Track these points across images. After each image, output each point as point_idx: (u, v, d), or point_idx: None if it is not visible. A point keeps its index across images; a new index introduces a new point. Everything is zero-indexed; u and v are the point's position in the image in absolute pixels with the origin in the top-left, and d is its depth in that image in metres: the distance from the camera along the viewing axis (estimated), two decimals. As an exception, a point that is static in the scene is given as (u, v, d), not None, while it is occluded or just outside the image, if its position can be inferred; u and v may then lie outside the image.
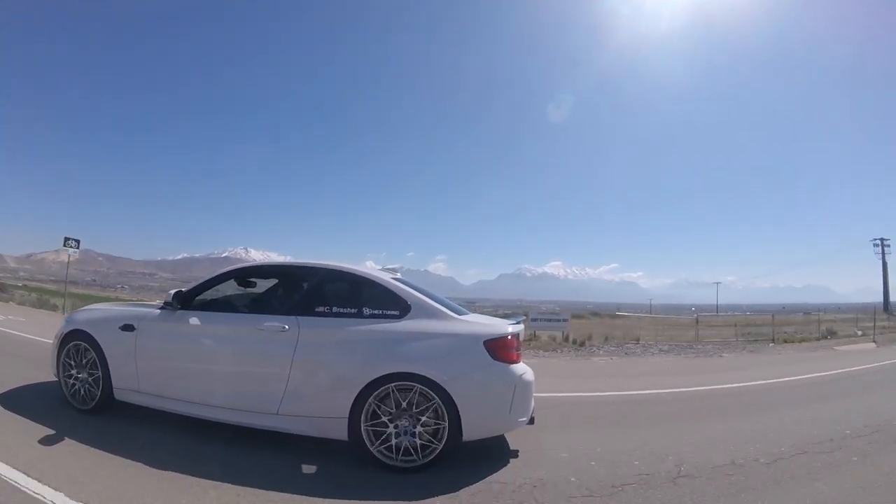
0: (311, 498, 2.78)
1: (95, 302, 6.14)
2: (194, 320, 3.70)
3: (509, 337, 3.42)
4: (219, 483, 2.86)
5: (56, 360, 4.15)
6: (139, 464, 3.05)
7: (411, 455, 3.19)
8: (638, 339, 16.27)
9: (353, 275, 3.81)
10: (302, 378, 3.38)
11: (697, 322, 21.26)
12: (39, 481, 2.71)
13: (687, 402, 5.95)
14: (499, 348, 3.36)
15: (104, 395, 3.86)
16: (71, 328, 4.12)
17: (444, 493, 2.89)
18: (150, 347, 3.76)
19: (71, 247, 17.12)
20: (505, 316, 4.20)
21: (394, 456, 3.20)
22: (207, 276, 4.01)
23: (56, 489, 2.64)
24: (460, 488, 2.96)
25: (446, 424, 3.19)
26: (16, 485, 2.66)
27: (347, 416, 3.24)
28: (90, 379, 3.94)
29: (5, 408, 3.96)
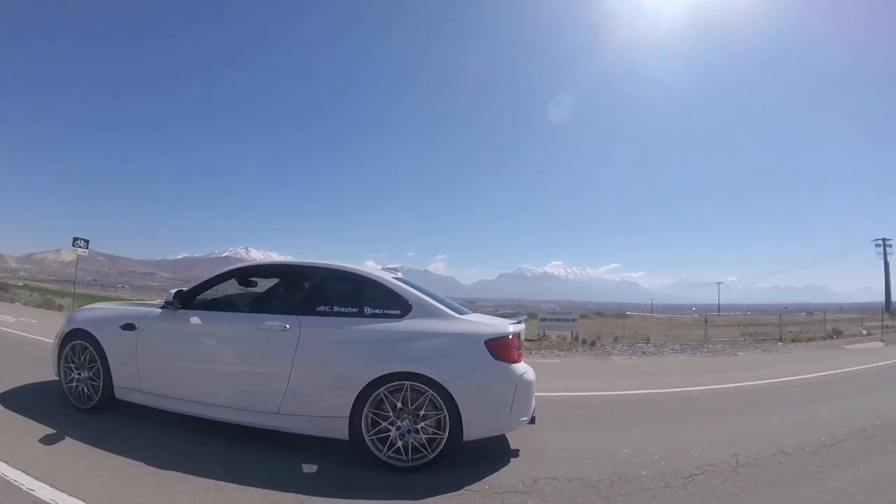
0: (312, 497, 2.77)
1: (104, 302, 6.13)
2: (195, 320, 3.70)
3: (510, 336, 3.42)
4: (220, 483, 2.86)
5: (57, 360, 4.15)
6: (140, 463, 3.05)
7: (412, 454, 3.19)
8: (648, 339, 16.25)
9: (354, 274, 3.81)
10: (303, 377, 3.37)
11: (706, 322, 21.38)
12: (40, 480, 2.71)
13: (723, 398, 6.26)
14: (500, 348, 3.35)
15: (105, 394, 3.86)
16: (72, 327, 4.12)
17: (444, 493, 2.89)
18: (151, 347, 3.75)
19: (80, 246, 17.15)
20: (506, 316, 4.20)
21: (395, 455, 3.20)
22: (208, 276, 4.01)
23: (57, 488, 2.64)
24: (461, 487, 2.96)
25: (447, 424, 3.19)
26: (16, 484, 2.66)
27: (348, 415, 3.24)
28: (91, 378, 3.94)
29: (6, 407, 3.96)
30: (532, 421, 3.55)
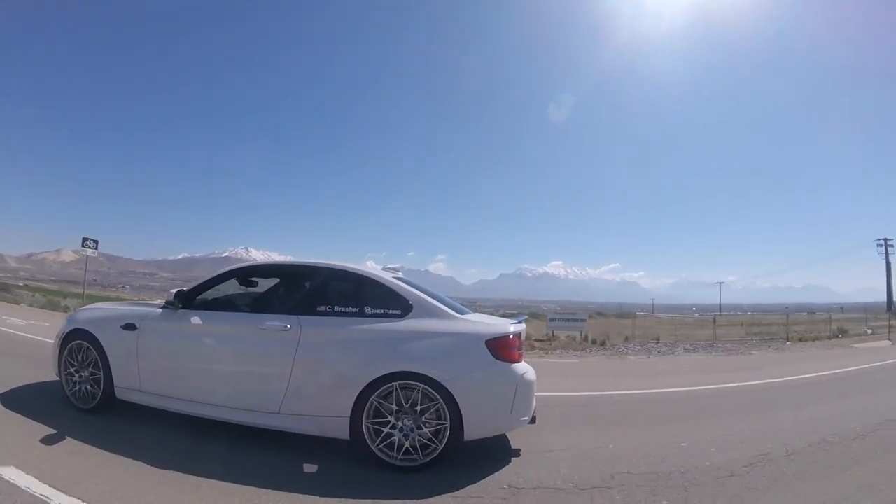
0: (313, 497, 2.77)
1: (105, 302, 6.15)
2: (196, 319, 3.70)
3: (511, 336, 3.42)
4: (220, 482, 2.86)
5: (57, 360, 4.15)
6: (141, 463, 3.05)
7: (413, 454, 3.19)
8: (658, 339, 16.21)
9: (355, 274, 3.81)
10: (304, 377, 3.38)
11: (715, 322, 21.51)
12: (40, 481, 2.71)
13: (755, 394, 6.63)
14: (500, 347, 3.35)
15: (105, 394, 3.86)
16: (72, 327, 4.12)
17: (445, 493, 2.89)
18: (152, 346, 3.76)
19: (89, 247, 17.15)
20: (507, 316, 4.20)
21: (395, 455, 3.20)
22: (209, 276, 4.01)
23: (57, 489, 2.64)
24: (461, 487, 2.96)
25: (448, 424, 3.19)
26: (17, 485, 2.66)
27: (349, 415, 3.24)
28: (91, 378, 3.94)
29: (7, 407, 3.96)
30: (533, 421, 3.55)
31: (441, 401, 3.19)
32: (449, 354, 3.32)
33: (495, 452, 3.54)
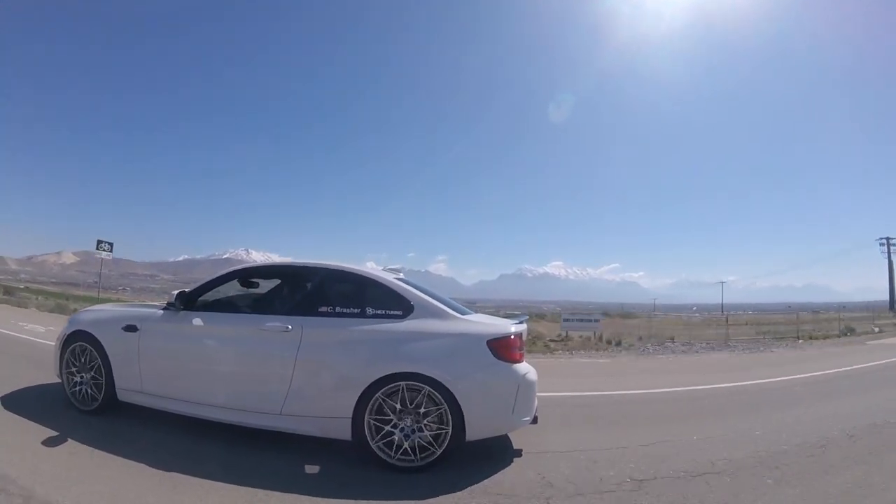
0: (315, 498, 2.77)
1: (106, 303, 6.15)
2: (197, 321, 3.70)
3: (512, 336, 3.42)
4: (221, 484, 2.86)
5: (59, 361, 4.15)
6: (142, 465, 3.05)
7: (414, 454, 3.19)
8: (673, 338, 16.18)
9: (356, 275, 3.81)
10: (305, 378, 3.37)
11: (727, 321, 21.54)
12: (42, 482, 2.71)
13: (799, 387, 7.05)
14: (502, 348, 3.35)
15: (107, 395, 3.86)
16: (74, 329, 4.12)
17: (447, 493, 2.89)
18: (153, 348, 3.76)
19: (104, 249, 17.12)
20: (508, 316, 4.21)
21: (397, 455, 3.20)
22: (210, 277, 4.02)
23: (58, 490, 2.64)
24: (463, 488, 2.96)
25: (450, 424, 3.19)
26: (18, 485, 2.65)
27: (351, 416, 3.24)
28: (93, 380, 3.94)
29: (9, 409, 3.96)
30: (534, 421, 3.54)
31: (443, 401, 3.19)
32: (451, 355, 3.32)
33: (497, 453, 3.54)
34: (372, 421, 3.23)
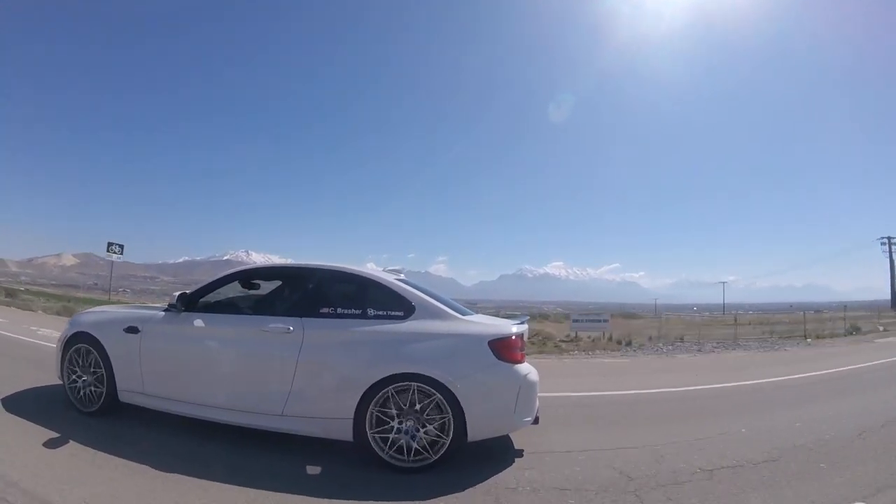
0: (317, 499, 2.77)
1: (111, 305, 6.16)
2: (199, 322, 3.70)
3: (513, 337, 3.42)
4: (223, 485, 2.86)
5: (60, 363, 4.15)
6: (144, 466, 3.05)
7: (416, 455, 3.19)
8: (682, 338, 16.15)
9: (358, 276, 3.81)
10: (307, 379, 3.38)
11: (736, 321, 21.54)
12: (43, 483, 2.71)
13: (828, 383, 7.35)
14: (503, 348, 3.35)
15: (108, 397, 3.86)
16: (75, 330, 4.12)
17: (448, 493, 2.89)
18: (155, 349, 3.76)
19: (114, 251, 17.08)
20: (509, 316, 4.21)
21: (399, 456, 3.20)
22: (211, 278, 4.02)
23: (60, 492, 2.64)
24: (465, 488, 2.96)
25: (451, 424, 3.19)
26: (19, 487, 2.66)
27: (352, 416, 3.24)
28: (94, 381, 3.94)
29: (10, 410, 3.96)
30: (536, 421, 3.55)
31: (444, 402, 3.19)
32: (452, 355, 3.32)
33: (499, 454, 3.54)
34: (374, 422, 3.23)
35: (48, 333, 9.43)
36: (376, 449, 3.21)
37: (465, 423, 3.19)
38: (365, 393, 3.23)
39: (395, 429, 3.22)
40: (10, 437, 3.41)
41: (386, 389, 3.23)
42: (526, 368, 3.44)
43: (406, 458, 3.19)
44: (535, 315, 28.59)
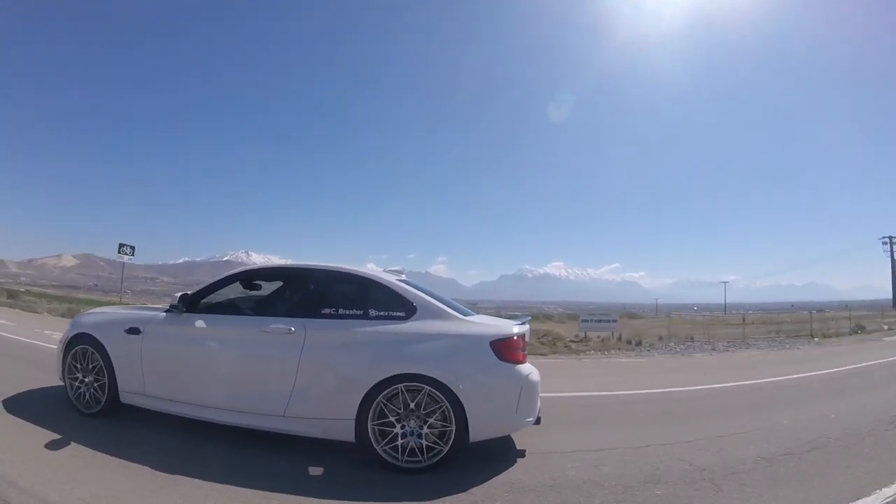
0: (319, 499, 2.77)
1: (112, 306, 6.16)
2: (200, 323, 3.70)
3: (515, 337, 3.42)
4: (225, 486, 2.85)
5: (62, 364, 4.14)
6: (145, 467, 3.04)
7: (418, 455, 3.19)
8: (692, 338, 16.15)
9: (359, 276, 3.81)
10: (308, 380, 3.37)
11: (744, 320, 21.53)
12: (44, 485, 2.71)
13: (853, 378, 7.75)
14: (505, 349, 3.35)
15: (110, 398, 3.86)
16: (76, 332, 4.12)
17: (451, 494, 2.89)
18: (156, 350, 3.75)
19: (126, 253, 17.07)
20: (509, 317, 4.21)
21: (400, 457, 3.19)
22: (213, 279, 4.02)
23: (60, 493, 2.64)
24: (467, 489, 2.96)
25: (453, 425, 3.18)
26: (21, 488, 2.65)
27: (354, 417, 3.24)
28: (96, 383, 3.94)
29: (11, 412, 3.96)
30: (538, 422, 3.54)
31: (446, 402, 3.19)
32: (453, 356, 3.32)
33: (500, 454, 3.54)
34: (375, 422, 3.23)
35: (59, 337, 9.24)
36: (378, 449, 3.21)
37: (467, 423, 3.19)
38: (367, 393, 3.23)
39: (396, 429, 3.21)
40: (11, 437, 3.41)
41: (387, 390, 3.23)
42: (527, 369, 3.43)
43: (408, 458, 3.19)
44: (539, 315, 28.55)
